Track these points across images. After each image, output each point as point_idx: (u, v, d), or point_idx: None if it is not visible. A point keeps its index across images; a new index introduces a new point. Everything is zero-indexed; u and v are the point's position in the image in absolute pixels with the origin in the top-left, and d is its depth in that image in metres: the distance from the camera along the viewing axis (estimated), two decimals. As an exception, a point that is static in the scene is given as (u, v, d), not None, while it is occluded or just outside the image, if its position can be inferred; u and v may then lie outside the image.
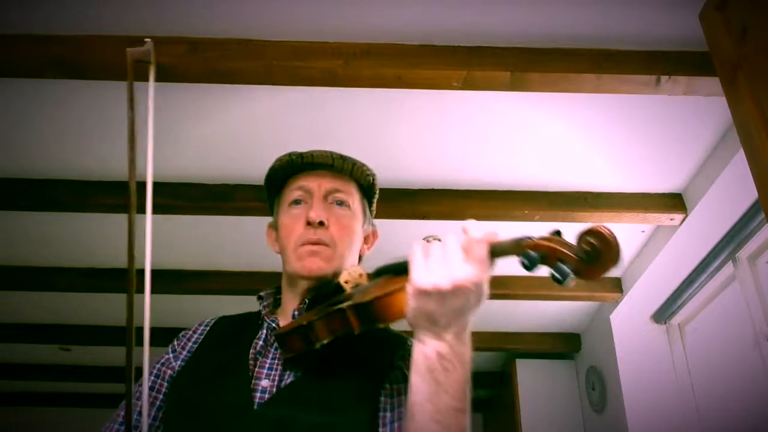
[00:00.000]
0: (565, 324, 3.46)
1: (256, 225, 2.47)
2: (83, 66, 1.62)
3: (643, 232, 2.53)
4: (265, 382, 0.87)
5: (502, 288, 2.70)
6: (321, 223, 0.96)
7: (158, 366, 0.98)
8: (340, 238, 0.97)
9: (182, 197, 2.23)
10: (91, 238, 2.61)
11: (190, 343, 1.02)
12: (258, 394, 0.85)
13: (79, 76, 1.67)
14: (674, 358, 2.88)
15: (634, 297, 2.81)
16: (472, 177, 2.20)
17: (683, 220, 2.24)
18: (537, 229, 2.48)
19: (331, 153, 1.04)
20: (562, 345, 3.54)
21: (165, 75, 1.63)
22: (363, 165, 1.07)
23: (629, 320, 2.99)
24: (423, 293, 0.72)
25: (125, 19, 1.59)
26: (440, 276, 0.71)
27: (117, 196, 2.22)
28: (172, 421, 0.88)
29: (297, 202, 1.02)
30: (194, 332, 1.05)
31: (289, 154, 1.04)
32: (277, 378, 0.87)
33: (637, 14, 1.58)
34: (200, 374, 0.92)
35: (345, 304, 0.81)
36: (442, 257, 0.73)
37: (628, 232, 2.52)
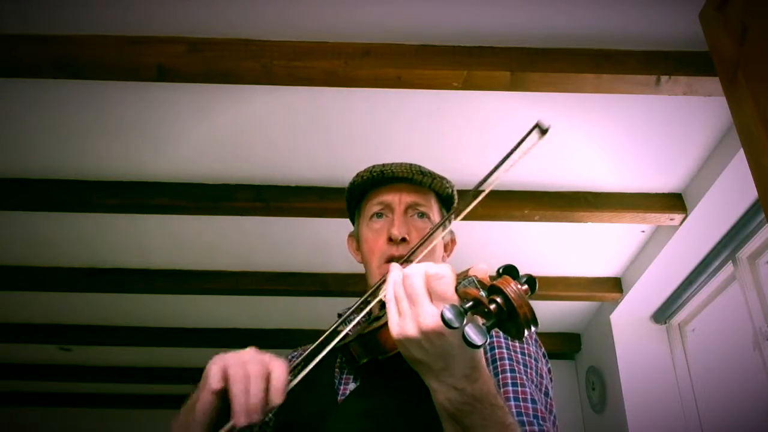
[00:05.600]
0: (565, 324, 3.46)
1: (256, 225, 2.49)
2: (83, 66, 1.62)
3: (643, 232, 2.53)
4: (352, 386, 0.92)
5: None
6: (404, 239, 0.98)
7: None
8: (425, 252, 0.97)
9: (182, 197, 2.23)
10: (91, 238, 2.61)
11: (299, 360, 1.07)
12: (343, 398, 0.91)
13: (79, 76, 1.67)
14: (674, 358, 2.88)
15: (634, 297, 2.81)
16: (472, 177, 2.20)
17: (683, 220, 2.24)
18: (537, 228, 2.46)
19: (411, 166, 1.06)
20: (562, 345, 3.54)
21: (165, 75, 1.63)
22: (442, 178, 1.08)
23: (629, 320, 2.99)
24: (400, 342, 0.69)
25: (125, 19, 1.59)
26: (409, 324, 0.67)
27: (117, 196, 2.22)
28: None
29: (378, 215, 1.05)
30: (299, 355, 1.10)
31: (370, 171, 1.06)
32: (359, 378, 0.93)
33: (637, 14, 1.57)
34: (297, 388, 0.98)
35: (349, 338, 0.85)
36: (408, 301, 0.68)
37: (628, 232, 2.52)
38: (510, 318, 0.61)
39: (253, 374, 0.71)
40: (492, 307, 0.61)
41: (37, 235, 2.60)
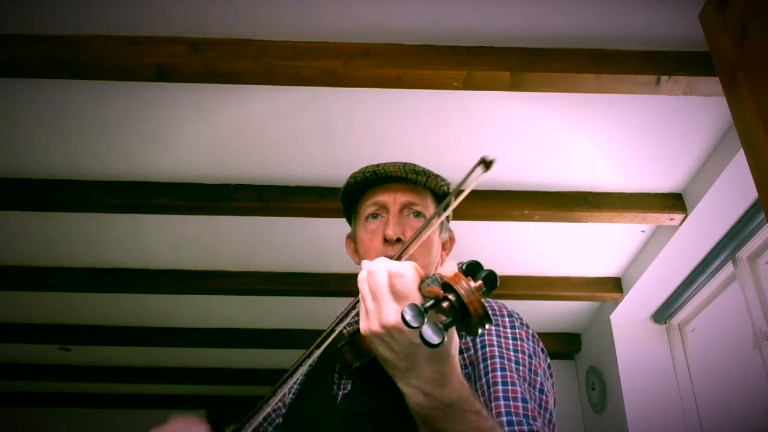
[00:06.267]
0: (565, 324, 3.46)
1: (256, 225, 2.49)
2: (83, 66, 1.62)
3: (643, 232, 2.52)
4: (350, 388, 0.93)
5: (501, 288, 2.69)
6: (399, 240, 0.98)
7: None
8: (418, 251, 0.96)
9: (182, 197, 2.23)
10: (91, 238, 2.61)
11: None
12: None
13: (79, 76, 1.67)
14: (674, 358, 2.88)
15: (634, 297, 2.81)
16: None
17: (683, 220, 2.24)
18: (537, 228, 2.44)
19: (404, 166, 1.05)
20: (562, 345, 3.54)
21: (165, 75, 1.63)
22: (438, 176, 1.08)
23: (629, 320, 2.99)
24: (369, 340, 0.70)
25: (125, 19, 1.59)
26: (372, 320, 0.68)
27: (117, 196, 2.22)
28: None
29: (373, 216, 1.05)
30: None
31: (363, 171, 1.06)
32: (356, 382, 0.94)
33: (637, 14, 1.57)
34: (302, 390, 1.00)
35: (342, 341, 0.86)
36: (371, 298, 0.69)
37: (628, 232, 2.52)
38: (463, 315, 0.61)
39: None
40: (445, 305, 0.61)
41: (37, 235, 2.59)
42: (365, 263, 0.75)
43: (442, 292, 0.62)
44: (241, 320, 3.43)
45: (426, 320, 0.58)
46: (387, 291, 0.67)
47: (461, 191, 0.79)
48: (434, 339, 0.57)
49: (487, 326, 0.60)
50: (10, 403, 4.59)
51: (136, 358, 3.97)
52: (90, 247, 2.68)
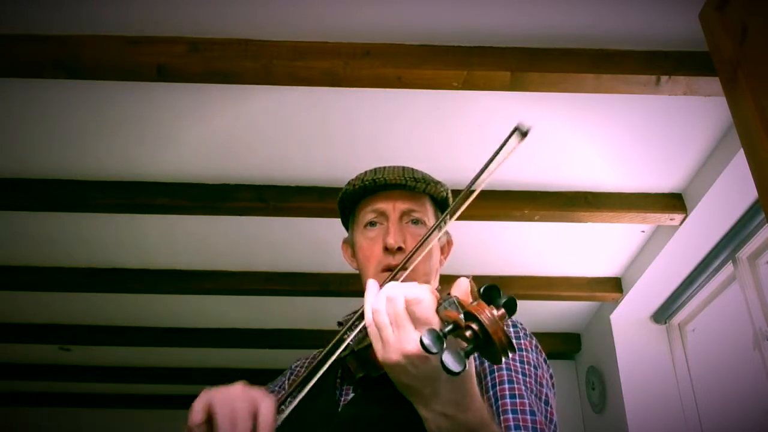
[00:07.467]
0: (565, 324, 3.46)
1: (256, 225, 2.49)
2: (83, 66, 1.62)
3: (643, 232, 2.53)
4: (351, 396, 0.93)
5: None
6: (400, 248, 0.97)
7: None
8: (420, 257, 0.94)
9: (182, 197, 2.23)
10: (91, 238, 2.60)
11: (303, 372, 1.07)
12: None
13: (79, 76, 1.67)
14: (674, 358, 2.88)
15: (634, 297, 2.81)
16: (471, 177, 2.20)
17: (683, 220, 2.24)
18: (537, 228, 2.45)
19: (404, 172, 1.04)
20: (562, 345, 3.54)
21: (165, 75, 1.63)
22: (437, 182, 1.06)
23: (629, 320, 2.99)
24: (386, 367, 0.68)
25: (125, 19, 1.59)
26: (392, 349, 0.66)
27: (117, 196, 2.22)
28: None
29: (372, 224, 1.03)
30: (303, 365, 1.09)
31: (362, 179, 1.04)
32: (358, 390, 0.93)
33: (637, 14, 1.57)
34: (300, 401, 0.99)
35: (346, 351, 0.85)
36: (390, 326, 0.67)
37: (628, 232, 2.52)
38: (486, 344, 0.59)
39: (240, 412, 0.69)
40: (468, 333, 0.59)
41: (36, 235, 2.59)
42: (370, 284, 0.73)
43: (462, 318, 0.61)
44: (241, 320, 3.43)
45: (445, 346, 0.56)
46: (406, 319, 0.65)
47: (472, 191, 0.78)
48: (456, 367, 0.55)
49: (510, 355, 0.59)
50: (10, 403, 4.59)
51: (136, 358, 3.97)
52: (90, 247, 2.68)
